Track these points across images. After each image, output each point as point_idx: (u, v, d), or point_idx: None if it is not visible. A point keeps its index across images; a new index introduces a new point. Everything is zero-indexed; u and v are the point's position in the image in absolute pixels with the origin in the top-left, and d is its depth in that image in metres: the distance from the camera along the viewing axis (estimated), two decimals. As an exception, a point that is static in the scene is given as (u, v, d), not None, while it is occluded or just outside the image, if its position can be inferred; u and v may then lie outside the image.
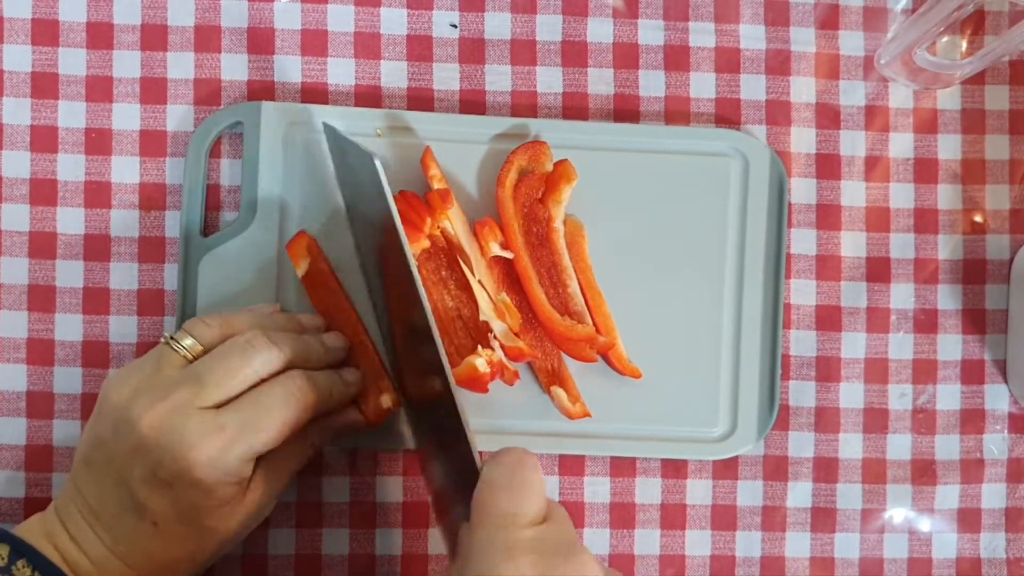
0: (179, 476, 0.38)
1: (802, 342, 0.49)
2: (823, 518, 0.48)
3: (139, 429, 0.38)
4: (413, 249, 0.45)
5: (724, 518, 0.48)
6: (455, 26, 0.48)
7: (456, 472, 0.39)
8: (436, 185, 0.46)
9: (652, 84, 0.49)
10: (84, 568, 0.39)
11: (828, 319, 0.49)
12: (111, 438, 0.39)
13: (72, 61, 0.47)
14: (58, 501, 0.41)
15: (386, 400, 0.45)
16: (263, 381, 0.40)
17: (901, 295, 0.49)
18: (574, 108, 0.49)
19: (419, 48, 0.48)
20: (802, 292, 0.49)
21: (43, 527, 0.40)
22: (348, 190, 0.47)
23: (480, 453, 0.38)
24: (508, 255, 0.46)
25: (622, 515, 0.48)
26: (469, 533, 0.36)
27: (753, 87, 0.49)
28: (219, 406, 0.39)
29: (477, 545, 0.35)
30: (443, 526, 0.44)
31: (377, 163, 0.40)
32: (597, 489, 0.48)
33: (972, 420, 0.49)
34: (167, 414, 0.38)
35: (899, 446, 0.49)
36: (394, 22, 0.48)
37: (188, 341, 0.41)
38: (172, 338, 0.41)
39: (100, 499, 0.39)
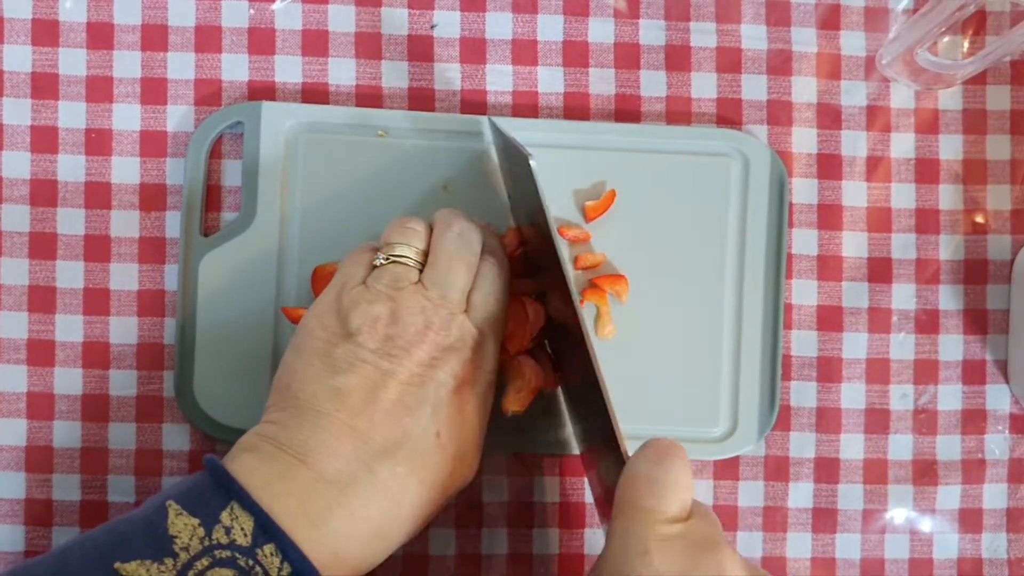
0: (476, 372, 0.40)
1: (803, 342, 0.49)
2: (824, 518, 0.48)
3: (431, 351, 0.39)
4: None
5: (725, 518, 0.48)
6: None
7: (613, 468, 0.38)
8: None
9: (653, 84, 0.49)
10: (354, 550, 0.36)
11: (829, 319, 0.49)
12: (400, 378, 0.38)
13: (72, 61, 0.47)
14: (326, 468, 0.36)
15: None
16: None
17: (902, 295, 0.49)
18: (575, 108, 0.48)
19: (420, 48, 0.48)
20: (803, 292, 0.49)
21: (301, 500, 0.36)
22: (511, 186, 0.46)
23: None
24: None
25: (623, 516, 0.48)
26: (612, 521, 0.35)
27: (754, 87, 0.49)
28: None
29: (615, 539, 0.34)
30: (592, 481, 0.44)
31: (533, 164, 0.38)
32: (598, 490, 0.48)
33: (973, 420, 0.49)
34: (447, 329, 0.39)
35: (900, 446, 0.49)
36: (395, 22, 0.48)
37: (406, 250, 0.41)
38: (391, 257, 0.40)
39: (393, 427, 0.37)
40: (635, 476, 0.35)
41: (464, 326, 0.40)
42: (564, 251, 0.38)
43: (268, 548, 0.34)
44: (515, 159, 0.41)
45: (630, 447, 0.47)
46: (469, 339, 0.40)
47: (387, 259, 0.40)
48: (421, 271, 0.41)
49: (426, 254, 0.41)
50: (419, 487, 0.38)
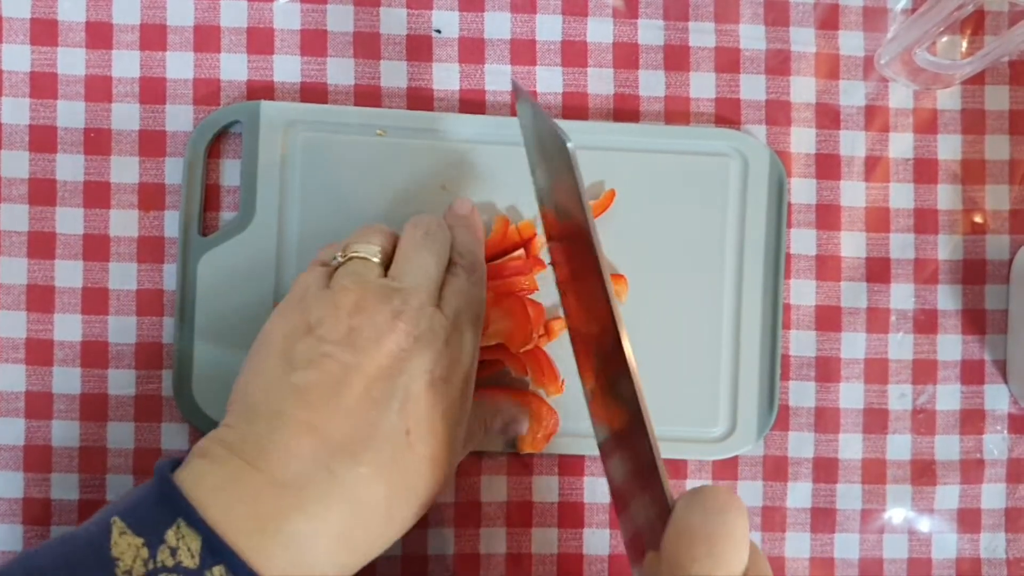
0: (451, 368, 0.37)
1: (802, 342, 0.49)
2: (823, 518, 0.48)
3: (401, 341, 0.36)
4: None
5: (724, 518, 0.48)
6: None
7: (641, 485, 0.34)
8: None
9: (652, 84, 0.49)
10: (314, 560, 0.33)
11: (828, 319, 0.49)
12: (372, 374, 0.35)
13: (71, 61, 0.47)
14: (280, 471, 0.34)
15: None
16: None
17: (901, 295, 0.49)
18: (574, 108, 0.48)
19: (418, 48, 0.48)
20: (802, 292, 0.49)
21: (249, 515, 0.33)
22: (542, 169, 0.42)
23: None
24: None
25: (622, 515, 0.48)
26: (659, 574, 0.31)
27: (753, 87, 0.49)
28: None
29: None
30: (624, 522, 0.38)
31: (570, 147, 0.34)
32: (596, 489, 0.48)
33: (972, 420, 0.49)
34: (417, 319, 0.37)
35: (899, 446, 0.49)
36: (393, 22, 0.48)
37: (366, 248, 0.39)
38: (349, 255, 0.39)
39: (356, 424, 0.35)
40: (686, 531, 0.30)
41: (436, 317, 0.37)
42: (602, 243, 0.34)
43: (217, 570, 0.32)
44: (548, 142, 0.38)
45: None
46: (442, 331, 0.37)
47: (345, 257, 0.39)
48: (386, 270, 0.39)
49: (390, 256, 0.40)
50: (385, 490, 0.35)
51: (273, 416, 0.35)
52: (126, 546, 0.32)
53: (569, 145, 0.34)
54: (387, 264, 0.40)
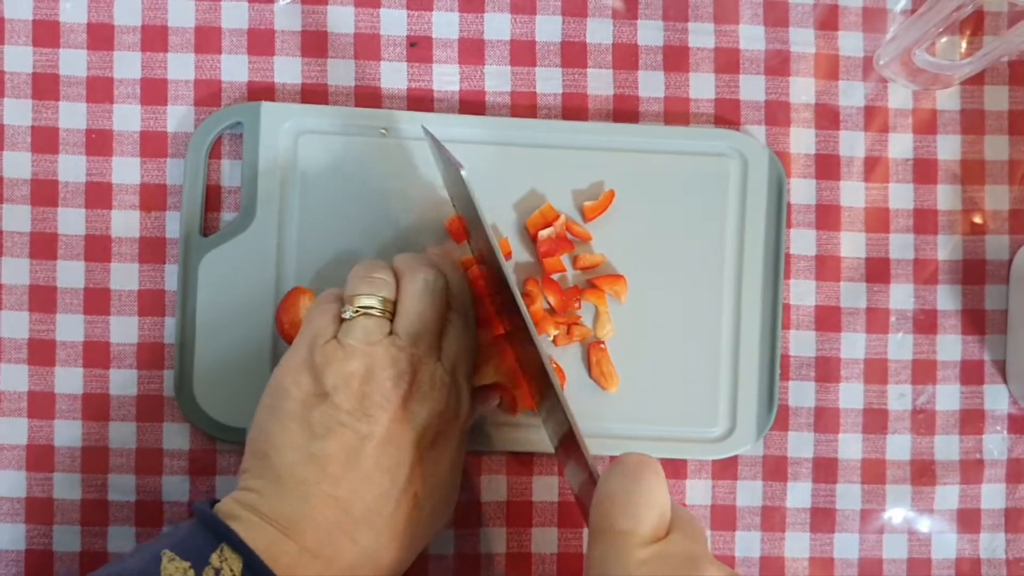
0: (450, 423, 0.40)
1: (801, 342, 0.49)
2: (822, 518, 0.49)
3: (407, 403, 0.39)
4: None
5: (723, 518, 0.48)
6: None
7: (576, 472, 0.39)
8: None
9: (651, 85, 0.49)
10: None
11: (827, 319, 0.49)
12: (382, 434, 0.39)
13: (73, 62, 0.47)
14: (311, 541, 0.37)
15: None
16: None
17: (900, 296, 0.49)
18: (573, 108, 0.49)
19: (419, 49, 0.48)
20: (801, 292, 0.49)
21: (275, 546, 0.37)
22: (451, 191, 0.46)
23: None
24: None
25: (621, 515, 0.48)
26: (590, 545, 0.34)
27: (752, 88, 0.49)
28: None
29: (594, 563, 0.33)
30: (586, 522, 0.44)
31: (464, 174, 0.38)
32: (596, 489, 0.48)
33: (971, 420, 0.49)
34: (419, 377, 0.39)
35: (898, 446, 0.49)
36: (394, 23, 0.48)
37: (372, 300, 0.40)
38: (360, 309, 0.40)
39: (373, 495, 0.38)
40: (607, 496, 0.34)
41: (436, 374, 0.40)
42: (504, 261, 0.39)
43: None
44: (449, 169, 0.41)
45: (628, 447, 0.47)
46: (443, 388, 0.40)
47: (356, 312, 0.40)
48: (391, 319, 0.41)
49: (394, 302, 0.41)
50: (397, 551, 0.39)
51: (298, 486, 0.38)
52: (174, 569, 0.35)
53: (464, 173, 0.38)
54: (392, 309, 0.41)
